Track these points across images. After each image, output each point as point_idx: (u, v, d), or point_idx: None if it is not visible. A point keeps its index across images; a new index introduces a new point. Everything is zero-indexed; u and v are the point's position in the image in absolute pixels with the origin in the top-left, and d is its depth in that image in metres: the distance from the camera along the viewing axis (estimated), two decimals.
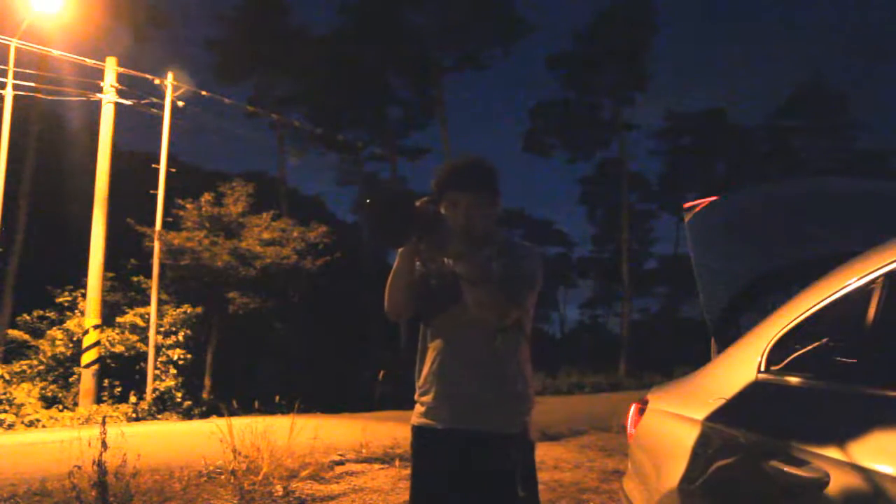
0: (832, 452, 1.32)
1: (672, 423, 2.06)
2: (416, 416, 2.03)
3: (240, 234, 14.61)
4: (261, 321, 15.07)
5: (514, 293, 1.88)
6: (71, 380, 12.68)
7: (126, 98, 13.53)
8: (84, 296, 13.08)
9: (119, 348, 13.17)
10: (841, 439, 1.32)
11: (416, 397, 2.05)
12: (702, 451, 1.79)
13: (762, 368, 1.72)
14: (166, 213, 14.19)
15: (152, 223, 13.84)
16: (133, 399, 12.40)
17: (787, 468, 1.41)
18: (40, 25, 13.69)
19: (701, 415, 1.85)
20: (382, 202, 1.70)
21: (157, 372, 12.99)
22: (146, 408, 12.31)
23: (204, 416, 12.35)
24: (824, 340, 1.67)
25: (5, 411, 11.13)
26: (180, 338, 13.57)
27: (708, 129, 33.59)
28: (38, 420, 11.13)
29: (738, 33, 77.58)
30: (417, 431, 2.03)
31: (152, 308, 13.24)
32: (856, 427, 1.32)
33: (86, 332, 12.41)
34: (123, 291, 14.71)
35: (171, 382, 12.86)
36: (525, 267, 1.95)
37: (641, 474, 2.26)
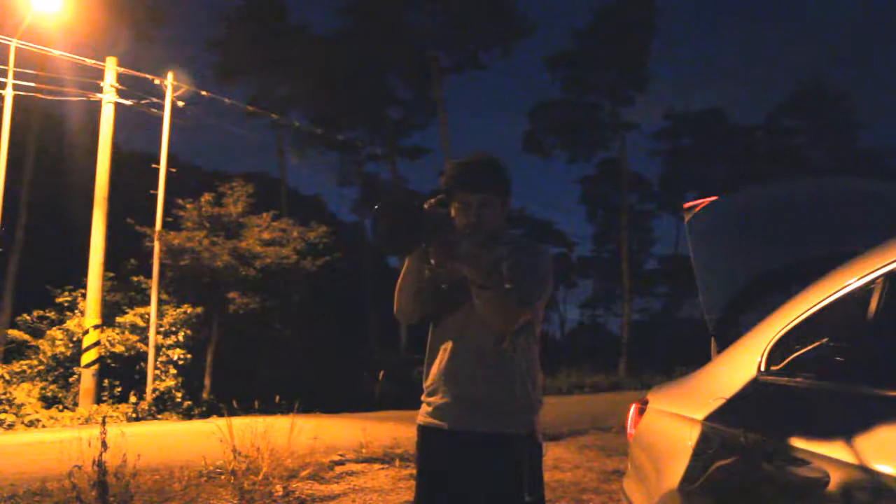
0: (832, 452, 1.32)
1: (672, 423, 2.06)
2: (423, 415, 2.02)
3: (240, 234, 14.61)
4: (261, 321, 15.07)
5: (524, 295, 1.86)
6: (71, 380, 12.67)
7: (126, 98, 13.52)
8: (84, 296, 13.07)
9: (119, 348, 13.16)
10: (841, 439, 1.32)
11: (422, 397, 2.04)
12: (702, 451, 1.79)
13: (762, 368, 1.72)
14: (166, 213, 14.18)
15: (152, 223, 13.83)
16: (133, 399, 12.39)
17: (787, 468, 1.41)
18: (40, 25, 13.69)
19: (701, 415, 1.85)
20: (391, 212, 1.69)
21: (157, 372, 12.99)
22: (146, 408, 12.31)
23: (204, 416, 12.35)
24: (824, 340, 1.67)
25: (5, 411, 11.13)
26: (180, 338, 13.56)
27: (708, 129, 33.57)
28: (38, 420, 11.13)
29: (738, 33, 77.59)
30: (423, 431, 2.02)
31: (152, 308, 13.24)
32: (856, 427, 1.33)
33: (86, 332, 12.40)
34: (123, 291, 14.70)
35: (171, 382, 12.86)
36: (535, 267, 1.94)
37: (641, 474, 2.26)
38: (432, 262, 1.81)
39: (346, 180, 31.49)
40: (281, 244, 14.80)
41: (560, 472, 6.01)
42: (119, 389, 12.64)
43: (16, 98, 12.99)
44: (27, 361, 12.90)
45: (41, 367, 12.73)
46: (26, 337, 13.55)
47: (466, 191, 1.93)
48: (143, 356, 13.14)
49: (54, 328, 13.29)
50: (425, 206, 1.75)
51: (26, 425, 10.90)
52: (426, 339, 2.08)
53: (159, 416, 12.35)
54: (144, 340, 13.26)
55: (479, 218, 1.92)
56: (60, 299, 13.81)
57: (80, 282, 13.46)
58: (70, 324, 13.20)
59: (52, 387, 12.52)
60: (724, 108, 50.40)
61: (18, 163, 16.29)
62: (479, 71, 30.18)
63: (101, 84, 13.18)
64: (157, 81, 14.27)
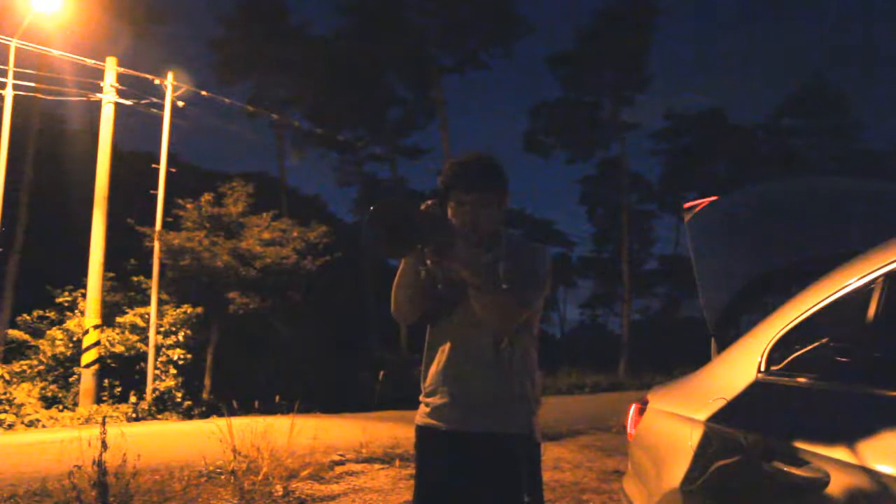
0: (832, 452, 1.31)
1: (672, 423, 2.06)
2: (421, 415, 2.02)
3: (240, 234, 14.60)
4: (261, 321, 15.05)
5: (522, 296, 1.85)
6: (71, 380, 12.68)
7: (126, 98, 13.53)
8: (84, 296, 13.08)
9: (119, 348, 13.17)
10: (841, 439, 1.32)
11: (421, 398, 2.04)
12: (702, 451, 1.79)
13: (762, 368, 1.72)
14: (166, 213, 14.18)
15: (152, 223, 13.84)
16: (133, 399, 12.39)
17: (787, 468, 1.41)
18: (40, 25, 13.68)
19: (701, 415, 1.85)
20: (387, 216, 1.68)
21: (157, 372, 12.99)
22: (146, 408, 12.31)
23: (204, 416, 12.34)
24: (824, 340, 1.67)
25: (5, 411, 11.13)
26: (180, 338, 13.57)
27: (708, 129, 33.56)
28: (38, 420, 11.13)
29: (737, 33, 77.55)
30: (422, 431, 2.02)
31: (152, 308, 13.24)
32: (856, 427, 1.32)
33: (86, 332, 12.41)
34: (123, 291, 14.70)
35: (171, 382, 12.86)
36: (533, 267, 1.93)
37: (641, 474, 2.26)
38: (429, 263, 1.80)
39: (346, 180, 31.51)
40: (281, 244, 14.79)
41: (560, 472, 6.01)
42: (119, 389, 12.64)
43: (16, 98, 12.99)
44: (27, 361, 12.90)
45: (41, 367, 12.73)
46: (26, 337, 13.55)
47: (463, 190, 1.92)
48: (143, 356, 13.14)
49: (54, 328, 13.29)
50: (422, 207, 1.74)
51: (26, 425, 10.90)
52: (425, 338, 2.07)
53: (159, 416, 12.35)
54: (144, 340, 13.26)
55: (476, 218, 1.91)
56: (60, 299, 13.81)
57: (80, 282, 13.46)
58: (70, 324, 13.20)
59: (52, 387, 12.52)
60: (724, 108, 50.23)
61: (18, 163, 16.29)
62: (479, 71, 30.12)
63: (101, 84, 13.18)
64: (157, 81, 14.28)
